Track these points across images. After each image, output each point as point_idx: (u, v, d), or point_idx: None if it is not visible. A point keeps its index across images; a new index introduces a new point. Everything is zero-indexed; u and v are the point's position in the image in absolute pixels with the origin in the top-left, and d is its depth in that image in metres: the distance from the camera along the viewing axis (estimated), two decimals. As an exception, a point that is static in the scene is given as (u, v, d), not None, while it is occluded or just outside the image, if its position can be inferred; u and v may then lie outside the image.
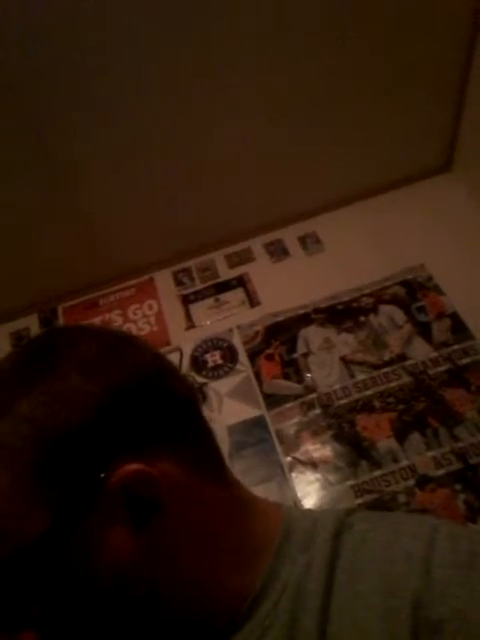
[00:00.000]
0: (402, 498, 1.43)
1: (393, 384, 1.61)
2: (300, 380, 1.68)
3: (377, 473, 1.47)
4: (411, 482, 1.45)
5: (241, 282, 1.96)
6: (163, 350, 1.76)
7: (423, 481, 1.45)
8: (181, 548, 0.44)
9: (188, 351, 1.81)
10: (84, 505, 0.41)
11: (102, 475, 0.41)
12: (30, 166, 1.59)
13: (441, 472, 1.45)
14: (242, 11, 1.43)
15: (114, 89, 1.49)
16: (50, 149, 1.56)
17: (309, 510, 0.60)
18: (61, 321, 1.98)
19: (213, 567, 0.46)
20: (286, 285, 1.92)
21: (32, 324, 1.97)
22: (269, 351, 1.77)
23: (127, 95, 1.51)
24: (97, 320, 1.95)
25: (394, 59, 1.67)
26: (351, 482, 1.47)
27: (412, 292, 1.81)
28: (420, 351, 1.67)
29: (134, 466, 0.42)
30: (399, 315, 1.77)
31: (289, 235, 2.05)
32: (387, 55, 1.66)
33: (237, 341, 1.81)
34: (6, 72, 1.37)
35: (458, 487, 1.42)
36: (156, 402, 0.46)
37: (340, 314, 1.80)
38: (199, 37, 1.45)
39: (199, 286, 1.98)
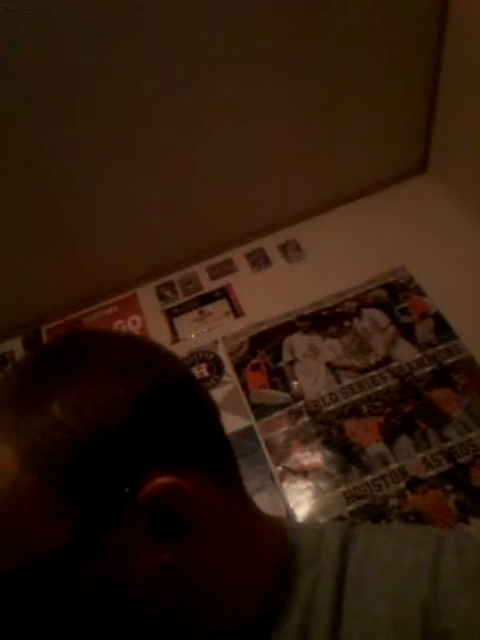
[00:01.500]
0: (394, 502, 1.42)
1: (380, 387, 1.62)
2: (287, 388, 1.68)
3: (368, 478, 1.47)
4: (402, 485, 1.45)
5: (224, 293, 1.96)
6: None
7: (414, 483, 1.45)
8: (200, 567, 0.43)
9: (174, 365, 1.80)
10: (111, 517, 0.39)
11: (132, 486, 0.39)
12: (11, 183, 1.58)
13: (431, 473, 1.45)
14: (226, 27, 1.45)
15: (96, 106, 1.49)
16: (32, 166, 1.56)
17: (312, 524, 0.60)
18: (45, 342, 1.97)
19: (229, 585, 0.45)
20: (269, 294, 1.92)
21: (16, 347, 1.96)
22: (255, 361, 1.76)
23: (108, 112, 1.52)
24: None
25: (364, 65, 1.69)
26: (342, 488, 1.46)
27: (394, 294, 1.82)
28: (405, 353, 1.67)
29: (166, 479, 0.40)
30: (382, 318, 1.77)
31: (270, 244, 2.06)
32: (357, 61, 1.67)
33: (222, 353, 1.81)
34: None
35: (449, 487, 1.42)
36: (186, 413, 0.45)
37: (324, 320, 1.81)
38: (183, 53, 1.46)
39: (182, 299, 1.98)
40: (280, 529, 0.51)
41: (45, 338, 1.97)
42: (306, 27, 1.54)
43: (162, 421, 0.42)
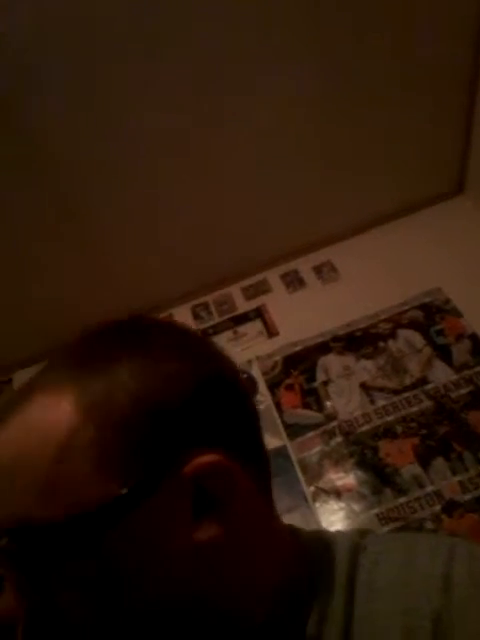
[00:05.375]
0: (429, 525, 1.40)
1: (414, 409, 1.60)
2: (321, 409, 1.68)
3: (402, 500, 1.45)
4: (437, 508, 1.42)
5: (259, 313, 1.98)
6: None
7: (450, 507, 1.42)
8: (226, 554, 0.43)
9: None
10: (157, 482, 0.39)
11: (180, 458, 0.40)
12: (45, 213, 1.65)
13: (468, 497, 1.42)
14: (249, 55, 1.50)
15: (131, 138, 1.57)
16: (64, 188, 1.64)
17: (321, 531, 0.59)
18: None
19: (251, 581, 0.45)
20: (303, 314, 1.93)
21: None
22: (289, 381, 1.77)
23: (143, 142, 1.58)
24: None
25: (401, 86, 1.71)
26: (376, 510, 1.44)
27: (430, 315, 1.80)
28: (441, 374, 1.65)
29: (213, 457, 0.40)
30: (418, 339, 1.76)
31: (304, 265, 2.08)
32: (393, 83, 1.69)
33: (257, 372, 1.82)
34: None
35: (487, 512, 1.39)
36: (236, 407, 0.46)
37: (358, 341, 1.80)
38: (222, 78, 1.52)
39: (217, 320, 2.01)
40: (295, 533, 0.51)
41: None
42: (345, 51, 1.57)
43: (215, 407, 0.43)
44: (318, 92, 1.65)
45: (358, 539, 0.49)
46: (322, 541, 0.50)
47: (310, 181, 1.89)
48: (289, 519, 1.45)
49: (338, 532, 0.53)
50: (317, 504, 1.50)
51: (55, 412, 0.40)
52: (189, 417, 0.41)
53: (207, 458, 0.40)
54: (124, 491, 0.38)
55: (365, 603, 0.44)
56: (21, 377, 2.04)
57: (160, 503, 0.39)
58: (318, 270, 2.05)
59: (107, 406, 0.40)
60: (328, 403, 1.68)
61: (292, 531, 0.52)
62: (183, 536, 0.40)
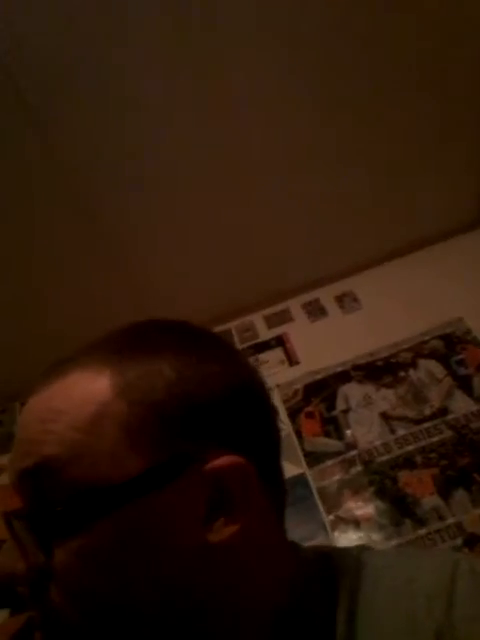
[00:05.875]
0: (449, 557, 1.38)
1: (435, 439, 1.59)
2: (340, 437, 1.68)
3: (422, 531, 1.43)
4: (459, 541, 1.41)
5: (280, 342, 2.01)
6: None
7: (472, 540, 1.40)
8: (232, 559, 0.43)
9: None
10: (177, 471, 0.40)
11: (205, 453, 0.41)
12: (79, 237, 1.72)
13: (490, 530, 1.41)
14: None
15: (160, 165, 1.62)
16: (93, 212, 1.70)
17: (321, 546, 0.59)
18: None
19: (256, 591, 0.45)
20: (325, 343, 1.95)
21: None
22: (309, 409, 1.78)
23: (172, 168, 1.64)
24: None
25: (423, 114, 1.75)
26: (395, 541, 1.43)
27: (451, 345, 1.81)
28: (461, 405, 1.65)
29: (237, 459, 0.42)
30: (438, 369, 1.76)
31: (326, 295, 2.10)
32: (417, 113, 1.73)
33: (277, 400, 1.83)
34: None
35: (509, 546, 1.37)
36: (263, 419, 0.48)
37: (379, 370, 1.81)
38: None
39: (239, 347, 2.04)
40: (295, 548, 0.52)
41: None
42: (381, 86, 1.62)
43: (245, 416, 0.45)
44: (343, 125, 1.69)
45: (359, 554, 0.49)
46: (324, 557, 0.50)
47: (334, 213, 1.92)
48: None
49: (338, 548, 0.54)
50: (336, 533, 1.49)
51: (92, 385, 0.42)
52: (219, 417, 0.43)
53: (230, 459, 0.41)
54: (145, 471, 0.39)
55: (367, 620, 0.44)
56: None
57: (177, 492, 0.40)
58: (340, 300, 2.07)
59: (143, 388, 0.42)
60: (348, 432, 1.69)
61: (293, 546, 0.52)
62: (194, 531, 0.41)
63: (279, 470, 0.50)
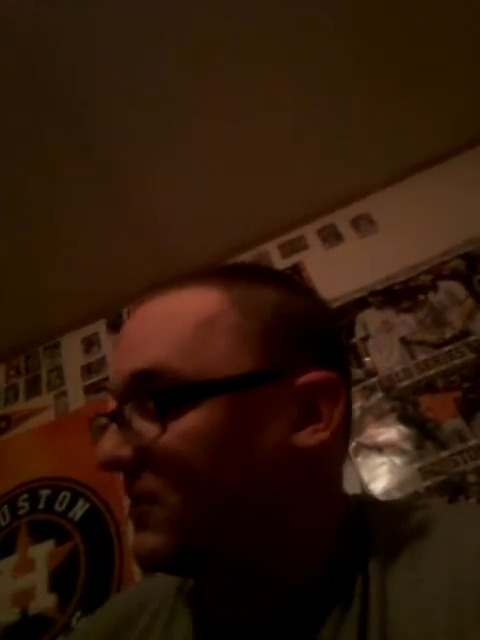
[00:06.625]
0: (472, 478, 1.40)
1: (457, 362, 1.58)
2: (360, 365, 1.68)
3: (444, 454, 1.45)
4: (480, 461, 1.42)
5: (295, 271, 1.97)
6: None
7: (494, 460, 1.42)
8: (316, 469, 0.48)
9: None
10: (277, 376, 0.46)
11: (303, 366, 0.47)
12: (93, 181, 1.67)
13: (512, 450, 1.41)
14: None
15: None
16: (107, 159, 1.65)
17: (371, 496, 0.64)
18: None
19: (326, 503, 0.50)
20: (341, 270, 1.90)
21: (101, 328, 2.07)
22: (328, 337, 1.77)
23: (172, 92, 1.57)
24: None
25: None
26: (418, 464, 1.45)
27: (473, 265, 1.75)
28: (483, 326, 1.62)
29: (330, 374, 0.47)
30: (460, 290, 1.71)
31: (341, 219, 2.03)
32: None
33: (295, 330, 1.82)
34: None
35: None
36: (342, 347, 0.55)
37: (397, 295, 1.77)
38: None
39: (254, 279, 2.00)
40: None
41: (126, 319, 2.07)
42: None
43: (332, 340, 0.52)
44: (358, 38, 1.57)
45: (409, 503, 0.53)
46: (367, 505, 0.53)
47: (345, 127, 1.81)
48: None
49: (390, 500, 0.56)
50: (359, 459, 1.52)
51: (207, 296, 0.48)
52: (315, 339, 0.49)
53: (325, 374, 0.47)
54: (255, 371, 0.45)
55: (405, 570, 0.45)
56: (69, 340, 2.12)
57: (277, 394, 0.46)
58: (355, 223, 2.00)
59: (253, 304, 0.48)
60: (367, 359, 1.68)
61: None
62: (286, 430, 0.46)
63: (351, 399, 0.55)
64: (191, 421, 0.43)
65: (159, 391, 0.44)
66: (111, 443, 0.45)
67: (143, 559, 0.45)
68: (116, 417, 0.46)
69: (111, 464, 0.45)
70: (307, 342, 0.48)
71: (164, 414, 0.43)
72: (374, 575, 0.45)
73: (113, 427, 0.46)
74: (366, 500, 0.55)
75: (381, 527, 0.49)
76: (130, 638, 0.54)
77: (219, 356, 0.45)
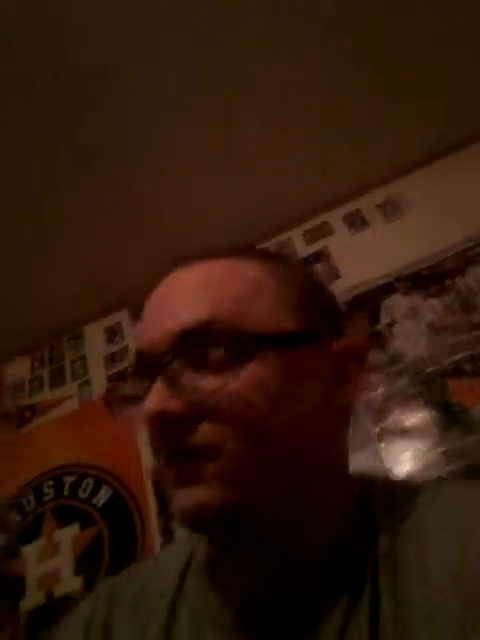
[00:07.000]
0: (498, 463, 1.36)
1: (485, 347, 1.53)
2: (385, 350, 1.65)
3: (470, 439, 1.41)
4: (508, 447, 1.38)
5: (320, 257, 1.95)
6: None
7: (522, 446, 1.37)
8: (343, 436, 0.52)
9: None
10: (315, 338, 0.49)
11: (337, 333, 0.52)
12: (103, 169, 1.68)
13: None
14: None
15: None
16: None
17: (386, 474, 0.66)
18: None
19: (344, 470, 0.53)
20: (367, 256, 1.88)
21: (124, 318, 2.09)
22: (352, 323, 1.74)
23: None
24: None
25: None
26: (442, 448, 1.42)
27: (501, 249, 1.70)
28: (513, 310, 1.57)
29: (363, 342, 0.53)
30: (489, 274, 1.67)
31: (367, 204, 2.00)
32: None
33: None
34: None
35: None
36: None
37: (424, 280, 1.74)
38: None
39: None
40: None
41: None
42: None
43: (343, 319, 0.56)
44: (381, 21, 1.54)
45: (413, 484, 0.55)
46: (381, 480, 0.55)
47: (370, 112, 1.78)
48: (354, 459, 1.45)
49: (403, 479, 0.57)
50: (382, 444, 1.49)
51: (246, 264, 0.51)
52: (336, 309, 0.56)
53: (356, 340, 0.52)
54: (298, 330, 0.49)
55: (414, 542, 0.45)
56: (92, 330, 2.14)
57: (316, 354, 0.49)
58: (382, 208, 1.97)
59: (285, 274, 0.52)
60: (393, 345, 1.65)
61: None
62: (323, 387, 0.49)
63: None
64: (254, 371, 0.45)
65: (229, 339, 0.45)
66: (160, 397, 0.45)
67: (190, 514, 0.44)
68: (163, 373, 0.46)
69: (161, 415, 0.44)
70: (332, 312, 0.54)
71: (231, 364, 0.45)
72: (384, 562, 0.45)
73: (158, 384, 0.46)
74: (374, 477, 0.56)
75: (390, 508, 0.49)
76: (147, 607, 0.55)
77: (268, 315, 0.48)
